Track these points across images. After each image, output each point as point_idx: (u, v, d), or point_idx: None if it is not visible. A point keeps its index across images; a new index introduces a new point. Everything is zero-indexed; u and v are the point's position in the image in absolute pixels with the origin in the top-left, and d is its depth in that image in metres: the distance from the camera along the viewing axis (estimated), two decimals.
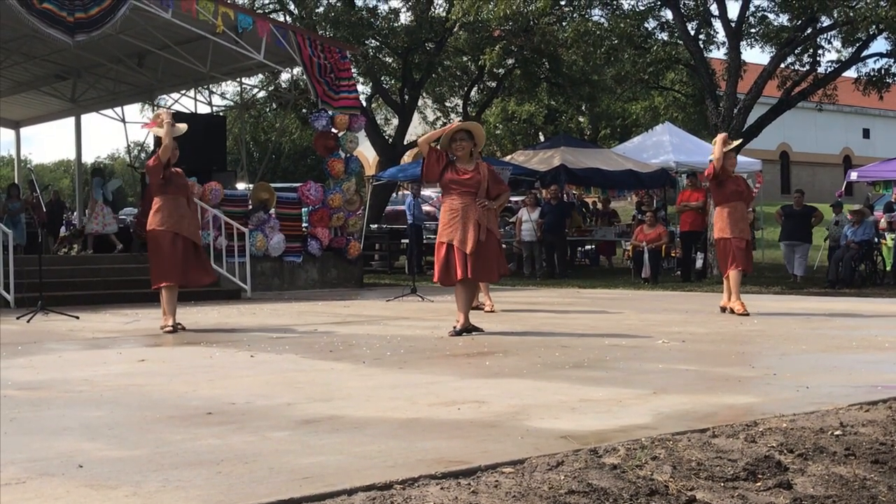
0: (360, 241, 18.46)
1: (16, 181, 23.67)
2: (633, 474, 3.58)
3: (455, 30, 24.88)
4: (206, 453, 3.95)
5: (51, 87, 22.23)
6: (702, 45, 22.02)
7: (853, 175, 20.37)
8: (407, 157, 32.89)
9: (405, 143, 27.92)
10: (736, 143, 11.53)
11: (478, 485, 3.43)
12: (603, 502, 3.27)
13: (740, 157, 11.87)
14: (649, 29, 22.66)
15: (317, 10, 24.46)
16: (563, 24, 23.85)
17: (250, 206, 16.66)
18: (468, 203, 8.71)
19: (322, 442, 4.18)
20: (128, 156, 28.47)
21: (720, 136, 11.26)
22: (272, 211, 16.85)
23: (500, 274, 9.29)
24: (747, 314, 10.52)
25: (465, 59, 27.48)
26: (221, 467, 3.70)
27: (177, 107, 22.48)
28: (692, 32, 21.58)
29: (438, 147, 8.90)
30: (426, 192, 23.50)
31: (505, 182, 10.67)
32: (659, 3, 21.81)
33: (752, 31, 22.59)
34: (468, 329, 8.74)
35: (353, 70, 19.85)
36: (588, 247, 25.11)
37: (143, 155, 25.33)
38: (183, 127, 9.72)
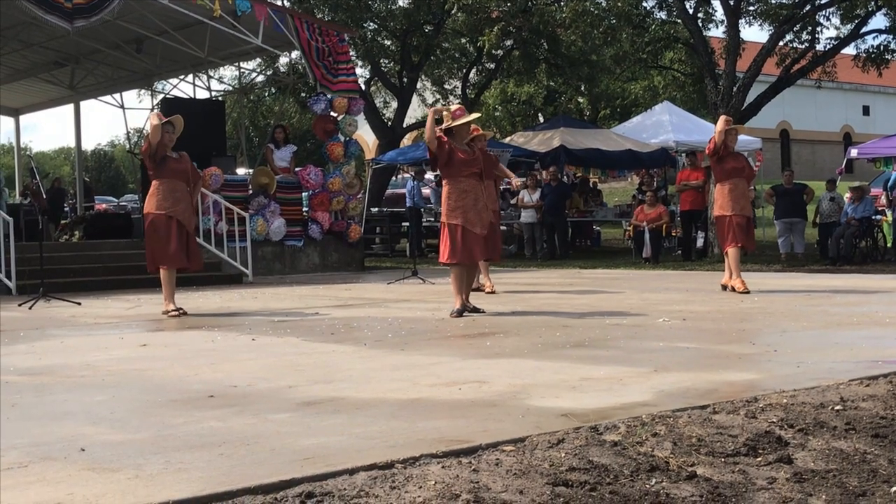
0: (360, 224, 18.45)
1: (16, 169, 23.64)
2: (633, 451, 3.59)
3: (453, 11, 24.79)
4: (207, 436, 3.97)
5: (49, 74, 22.16)
6: (700, 24, 21.94)
7: (853, 152, 20.31)
8: (406, 140, 32.86)
9: (404, 125, 27.84)
10: (739, 127, 11.53)
11: (479, 463, 3.44)
12: (604, 479, 3.28)
13: (741, 136, 11.88)
14: (647, 8, 22.60)
15: None
16: (561, 4, 23.77)
17: (250, 191, 16.65)
18: (475, 184, 8.90)
19: (323, 423, 4.19)
20: (127, 142, 28.43)
21: (723, 118, 11.25)
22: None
23: (499, 253, 9.71)
24: (748, 292, 10.53)
25: (463, 40, 27.36)
26: (223, 449, 3.71)
27: (175, 92, 22.45)
28: (690, 11, 21.51)
29: (449, 128, 8.94)
30: (429, 174, 23.45)
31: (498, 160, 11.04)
32: None
33: (751, 8, 22.48)
34: (469, 309, 8.83)
35: (351, 53, 19.79)
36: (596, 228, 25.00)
37: (142, 141, 25.26)
38: (177, 119, 9.71)
